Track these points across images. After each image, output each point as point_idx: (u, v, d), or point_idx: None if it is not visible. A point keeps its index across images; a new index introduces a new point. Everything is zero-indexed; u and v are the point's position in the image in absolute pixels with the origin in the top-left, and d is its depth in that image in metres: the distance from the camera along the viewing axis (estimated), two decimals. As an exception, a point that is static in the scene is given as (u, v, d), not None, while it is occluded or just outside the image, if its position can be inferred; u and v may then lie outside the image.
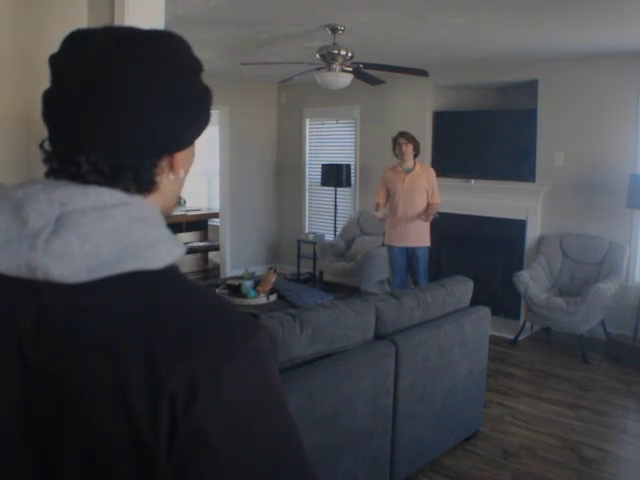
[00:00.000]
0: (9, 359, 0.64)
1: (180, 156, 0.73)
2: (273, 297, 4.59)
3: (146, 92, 0.66)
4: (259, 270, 6.61)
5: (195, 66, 0.73)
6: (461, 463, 3.07)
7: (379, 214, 5.03)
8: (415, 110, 6.10)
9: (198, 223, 7.92)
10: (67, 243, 0.62)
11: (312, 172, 7.29)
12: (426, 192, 4.92)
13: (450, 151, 5.97)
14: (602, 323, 4.81)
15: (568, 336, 4.92)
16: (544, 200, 5.36)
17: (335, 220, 6.90)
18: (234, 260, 7.26)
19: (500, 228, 5.61)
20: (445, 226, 5.80)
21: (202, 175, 8.16)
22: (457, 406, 3.05)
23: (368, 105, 6.57)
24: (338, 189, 6.77)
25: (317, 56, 4.27)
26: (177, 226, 7.48)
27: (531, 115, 5.35)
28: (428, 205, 4.93)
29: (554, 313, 4.64)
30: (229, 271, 7.17)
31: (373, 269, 6.05)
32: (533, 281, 4.87)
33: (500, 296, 5.54)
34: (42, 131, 0.70)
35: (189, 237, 7.84)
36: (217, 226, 7.58)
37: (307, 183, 7.40)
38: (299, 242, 6.94)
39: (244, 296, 4.50)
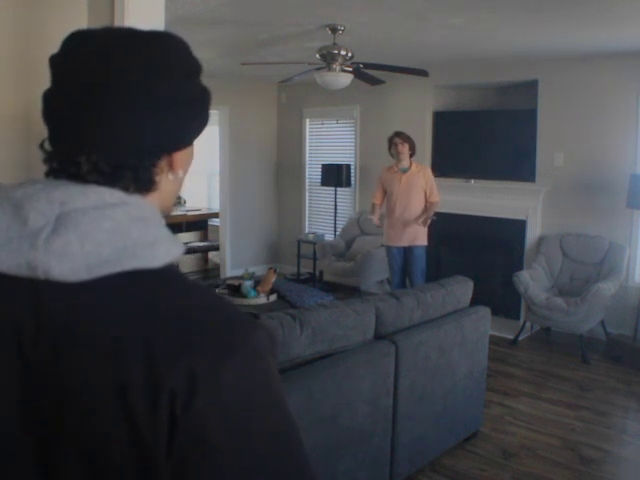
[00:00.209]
0: (9, 359, 0.64)
1: (179, 156, 0.73)
2: (273, 297, 4.59)
3: (145, 92, 0.66)
4: (259, 270, 6.61)
5: (194, 67, 0.73)
6: (461, 463, 3.07)
7: (375, 219, 5.05)
8: (415, 110, 6.10)
9: (198, 223, 7.92)
10: (67, 242, 0.62)
11: (312, 172, 7.29)
12: (424, 191, 4.92)
13: (450, 151, 5.97)
14: (602, 323, 4.81)
15: (568, 336, 4.92)
16: (544, 200, 5.36)
17: (335, 220, 6.90)
18: (234, 260, 7.26)
19: (500, 228, 5.61)
20: (445, 226, 5.80)
21: (202, 175, 8.16)
22: (457, 406, 3.05)
23: (368, 105, 6.57)
24: (338, 189, 6.77)
25: (317, 56, 4.27)
26: (177, 226, 7.48)
27: (531, 115, 5.35)
28: (427, 205, 4.93)
29: (554, 313, 4.64)
30: (229, 271, 7.17)
31: (373, 269, 6.06)
32: (533, 281, 4.88)
33: (500, 296, 5.53)
34: (42, 131, 0.71)
35: (189, 237, 7.84)
36: (217, 226, 7.58)
37: (307, 183, 7.40)
38: (299, 242, 6.94)
39: (244, 296, 4.50)
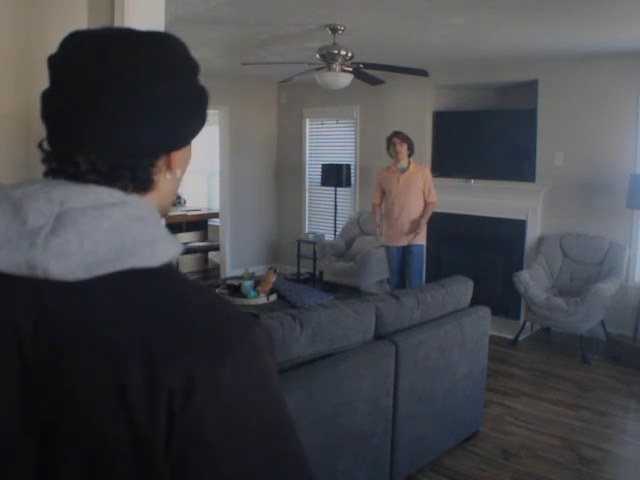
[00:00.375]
0: (9, 359, 0.65)
1: (177, 155, 0.73)
2: (273, 297, 4.59)
3: (143, 92, 0.67)
4: (259, 270, 6.61)
5: (192, 67, 0.73)
6: (461, 463, 3.07)
7: (378, 233, 5.07)
8: (415, 110, 6.10)
9: (198, 223, 7.93)
10: (66, 241, 0.62)
11: (312, 172, 7.29)
12: (422, 191, 4.92)
13: (450, 151, 5.97)
14: (602, 323, 4.81)
15: (568, 336, 4.92)
16: (544, 200, 5.36)
17: (335, 220, 6.90)
18: (234, 260, 7.26)
19: (500, 228, 5.61)
20: (445, 226, 5.80)
21: (202, 175, 8.17)
22: (457, 406, 3.05)
23: (368, 105, 6.57)
24: (338, 189, 6.77)
25: (317, 56, 4.27)
26: (177, 226, 7.48)
27: (531, 115, 5.35)
28: (426, 205, 4.93)
29: (554, 313, 4.64)
30: (229, 271, 7.17)
31: (373, 269, 6.06)
32: (533, 281, 4.88)
33: (500, 296, 5.53)
34: (42, 131, 0.71)
35: (189, 237, 7.84)
36: (217, 226, 7.58)
37: (307, 183, 7.40)
38: (299, 242, 6.95)
39: (244, 296, 4.50)
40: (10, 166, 1.49)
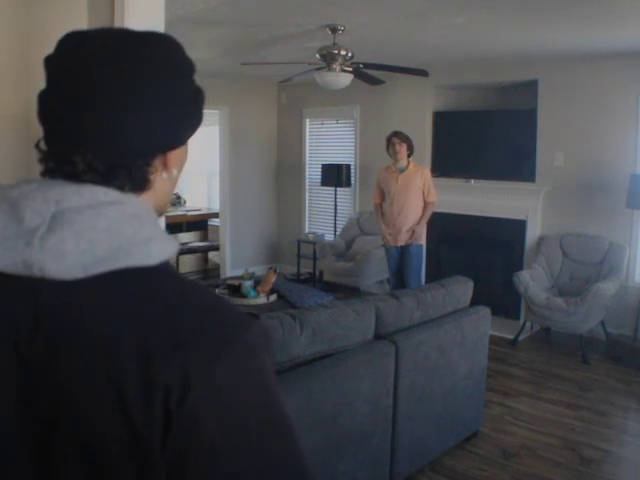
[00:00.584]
0: (6, 358, 0.65)
1: (173, 155, 0.74)
2: (273, 297, 4.59)
3: (140, 92, 0.67)
4: (259, 270, 6.61)
5: (188, 67, 0.74)
6: (461, 463, 3.07)
7: (387, 236, 5.04)
8: (415, 110, 6.10)
9: (198, 223, 7.93)
10: (62, 240, 0.62)
11: (312, 172, 7.29)
12: (421, 191, 4.91)
13: (450, 151, 5.97)
14: (602, 323, 4.81)
15: (568, 336, 4.92)
16: (544, 200, 5.36)
17: (335, 220, 6.90)
18: (234, 260, 7.26)
19: (500, 228, 5.61)
20: (445, 226, 5.80)
21: (202, 175, 8.17)
22: (457, 406, 3.05)
23: (368, 105, 6.57)
24: (338, 189, 6.77)
25: (317, 56, 4.27)
26: (177, 226, 7.48)
27: (531, 115, 5.35)
28: (425, 205, 4.93)
29: (554, 313, 4.64)
30: (229, 271, 7.17)
31: (373, 269, 6.06)
32: (533, 281, 4.87)
33: (500, 296, 5.53)
34: (41, 131, 0.71)
35: (189, 237, 7.84)
36: (217, 226, 7.58)
37: (307, 183, 7.39)
38: (299, 242, 6.95)
39: (244, 296, 4.50)
40: (10, 166, 1.50)
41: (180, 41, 0.74)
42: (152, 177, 0.72)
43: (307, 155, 7.35)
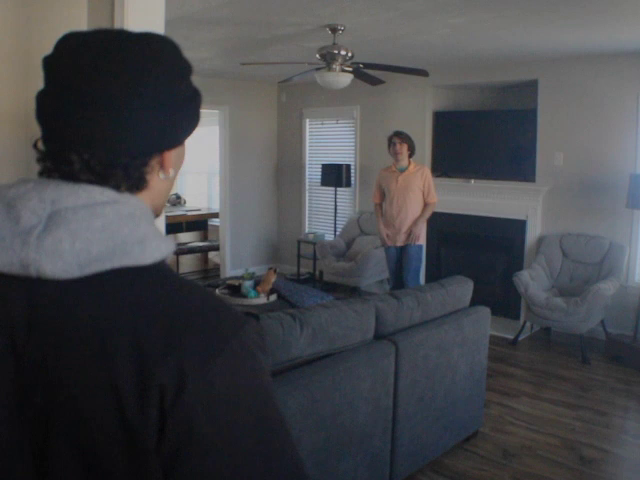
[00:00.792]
0: (3, 356, 0.65)
1: (170, 155, 0.74)
2: (273, 297, 4.59)
3: (137, 93, 0.67)
4: (259, 270, 6.61)
5: (185, 68, 0.74)
6: (461, 463, 3.07)
7: (384, 236, 5.03)
8: (415, 110, 6.10)
9: (198, 223, 7.93)
10: (58, 240, 0.63)
11: (312, 172, 7.29)
12: (421, 192, 4.91)
13: (450, 151, 5.97)
14: (602, 323, 4.81)
15: (568, 336, 4.92)
16: (544, 200, 5.36)
17: (335, 220, 6.90)
18: (234, 260, 7.26)
19: (500, 228, 5.61)
20: (445, 226, 5.81)
21: (202, 175, 8.17)
22: (457, 406, 3.05)
23: (368, 105, 6.57)
24: (338, 189, 6.77)
25: (317, 56, 4.27)
26: (177, 226, 7.48)
27: (531, 115, 5.35)
28: (425, 205, 4.93)
29: (554, 313, 4.64)
30: (229, 271, 7.17)
31: (373, 269, 6.06)
32: (533, 281, 4.87)
33: (500, 296, 5.54)
34: (39, 130, 0.71)
35: (189, 237, 7.84)
36: (217, 226, 7.58)
37: (307, 183, 7.40)
38: (299, 242, 6.95)
39: (244, 296, 4.50)
40: (10, 166, 1.50)
41: (178, 42, 0.75)
42: (149, 177, 0.72)
43: (307, 155, 7.35)
